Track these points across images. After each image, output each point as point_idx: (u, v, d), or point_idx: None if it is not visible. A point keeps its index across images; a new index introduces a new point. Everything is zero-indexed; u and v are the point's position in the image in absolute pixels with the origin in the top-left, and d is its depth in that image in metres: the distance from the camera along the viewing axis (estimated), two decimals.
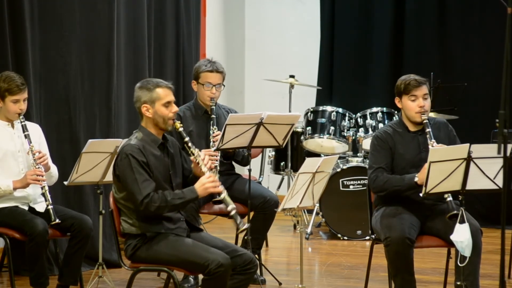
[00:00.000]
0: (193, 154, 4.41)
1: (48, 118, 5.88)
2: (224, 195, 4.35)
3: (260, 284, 5.61)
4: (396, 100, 4.97)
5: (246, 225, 4.33)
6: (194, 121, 5.72)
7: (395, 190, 4.81)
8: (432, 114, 7.28)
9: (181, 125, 4.46)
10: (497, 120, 3.40)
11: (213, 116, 5.62)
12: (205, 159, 4.42)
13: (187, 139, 4.43)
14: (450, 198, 4.57)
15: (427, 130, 4.82)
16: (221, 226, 7.60)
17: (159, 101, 4.40)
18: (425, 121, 4.86)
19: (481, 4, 8.27)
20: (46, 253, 5.23)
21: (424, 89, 4.88)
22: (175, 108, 4.45)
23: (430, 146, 4.73)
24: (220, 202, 5.32)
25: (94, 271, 5.43)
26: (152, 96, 4.40)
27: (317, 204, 7.18)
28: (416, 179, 4.71)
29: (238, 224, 4.30)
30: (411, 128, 4.96)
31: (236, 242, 5.94)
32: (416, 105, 4.87)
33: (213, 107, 5.65)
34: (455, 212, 4.50)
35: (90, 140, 5.12)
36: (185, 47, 7.49)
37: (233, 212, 4.31)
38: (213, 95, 5.66)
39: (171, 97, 4.44)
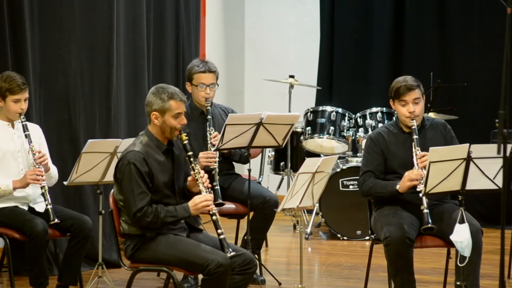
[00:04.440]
0: (193, 170, 4.42)
1: (48, 118, 5.88)
2: (216, 217, 4.36)
3: (259, 284, 5.61)
4: (390, 102, 4.97)
5: (232, 253, 4.30)
6: (191, 122, 5.70)
7: (379, 196, 4.89)
8: (432, 114, 7.29)
9: (187, 138, 4.46)
10: (497, 120, 3.40)
11: (209, 117, 5.62)
12: (204, 177, 4.43)
13: (190, 153, 4.44)
14: (426, 211, 4.58)
15: (414, 137, 4.82)
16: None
17: (170, 112, 4.41)
18: (413, 127, 4.85)
19: (481, 4, 8.27)
20: (46, 253, 5.23)
21: (415, 94, 4.86)
22: (184, 120, 4.46)
23: (413, 154, 4.75)
24: (220, 204, 5.32)
25: (94, 271, 5.43)
26: (164, 107, 4.40)
27: (317, 204, 7.18)
28: (397, 187, 4.75)
29: (226, 250, 4.28)
30: (406, 129, 4.96)
31: (236, 242, 5.94)
32: (406, 110, 4.87)
33: (209, 107, 5.65)
34: (430, 225, 4.55)
35: (89, 140, 5.12)
36: (185, 47, 7.49)
37: (221, 237, 4.32)
38: (207, 95, 5.66)
39: (181, 109, 4.45)
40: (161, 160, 4.41)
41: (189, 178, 4.51)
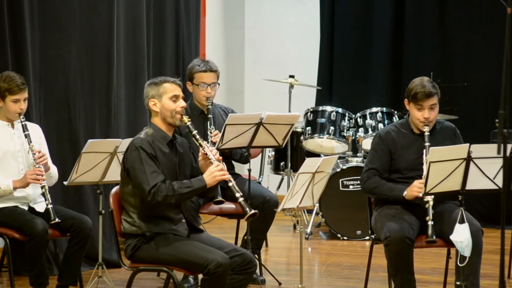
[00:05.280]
0: (201, 146, 4.43)
1: (48, 118, 5.88)
2: (233, 182, 4.37)
3: (259, 284, 5.61)
4: (405, 102, 4.95)
5: (253, 211, 4.33)
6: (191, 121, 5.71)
7: (382, 198, 4.88)
8: None
9: (189, 119, 4.47)
10: (497, 120, 3.40)
11: (210, 116, 5.62)
12: (213, 151, 4.44)
13: (195, 132, 4.44)
14: (431, 223, 4.58)
15: (426, 144, 4.80)
16: (221, 226, 7.61)
17: (166, 95, 4.43)
18: (426, 133, 4.84)
19: (481, 4, 8.27)
20: (46, 253, 5.23)
21: (432, 100, 4.84)
22: (183, 103, 4.47)
23: (424, 162, 4.74)
24: (220, 202, 5.32)
25: (94, 271, 5.43)
26: (159, 90, 4.44)
27: (317, 204, 7.19)
28: (404, 193, 4.75)
29: (246, 210, 4.30)
30: (416, 130, 4.95)
31: (236, 242, 5.94)
32: (421, 115, 4.85)
33: (210, 106, 5.66)
34: (433, 239, 4.56)
35: (89, 140, 5.12)
36: (185, 47, 7.49)
37: (241, 199, 4.33)
38: (208, 94, 5.67)
39: (178, 92, 4.47)
40: (166, 151, 4.42)
41: (200, 158, 4.51)
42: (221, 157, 4.48)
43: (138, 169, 4.30)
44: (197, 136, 4.44)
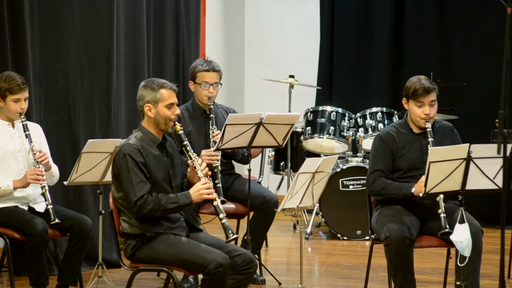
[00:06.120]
0: (191, 158, 4.41)
1: (48, 118, 5.88)
2: (217, 202, 4.36)
3: (259, 284, 5.61)
4: (403, 101, 4.96)
5: (235, 236, 4.32)
6: (193, 121, 5.72)
7: (391, 197, 4.86)
8: None
9: (182, 128, 4.47)
10: (497, 120, 3.40)
11: (212, 115, 5.62)
12: (202, 165, 4.42)
13: (186, 142, 4.43)
14: (443, 215, 4.57)
15: (430, 139, 4.81)
16: (220, 226, 7.59)
17: (162, 102, 4.41)
18: (428, 129, 4.84)
19: (481, 4, 8.27)
20: (46, 253, 5.23)
21: (432, 96, 4.86)
22: (177, 110, 4.46)
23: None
24: (222, 202, 5.32)
25: (94, 271, 5.44)
26: (155, 97, 4.41)
27: (317, 204, 7.19)
28: (413, 190, 4.74)
29: (228, 233, 4.29)
30: (415, 130, 4.95)
31: (236, 242, 5.93)
32: (422, 111, 4.86)
33: (211, 106, 5.65)
34: (447, 230, 4.52)
35: (89, 140, 5.12)
36: (185, 47, 7.49)
37: (223, 221, 4.32)
38: (210, 94, 5.67)
39: (174, 99, 4.45)
40: (156, 154, 4.41)
41: (189, 169, 4.50)
42: (210, 172, 4.47)
43: (125, 178, 4.29)
44: (188, 148, 4.42)
